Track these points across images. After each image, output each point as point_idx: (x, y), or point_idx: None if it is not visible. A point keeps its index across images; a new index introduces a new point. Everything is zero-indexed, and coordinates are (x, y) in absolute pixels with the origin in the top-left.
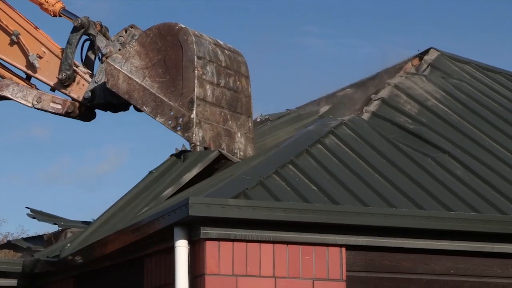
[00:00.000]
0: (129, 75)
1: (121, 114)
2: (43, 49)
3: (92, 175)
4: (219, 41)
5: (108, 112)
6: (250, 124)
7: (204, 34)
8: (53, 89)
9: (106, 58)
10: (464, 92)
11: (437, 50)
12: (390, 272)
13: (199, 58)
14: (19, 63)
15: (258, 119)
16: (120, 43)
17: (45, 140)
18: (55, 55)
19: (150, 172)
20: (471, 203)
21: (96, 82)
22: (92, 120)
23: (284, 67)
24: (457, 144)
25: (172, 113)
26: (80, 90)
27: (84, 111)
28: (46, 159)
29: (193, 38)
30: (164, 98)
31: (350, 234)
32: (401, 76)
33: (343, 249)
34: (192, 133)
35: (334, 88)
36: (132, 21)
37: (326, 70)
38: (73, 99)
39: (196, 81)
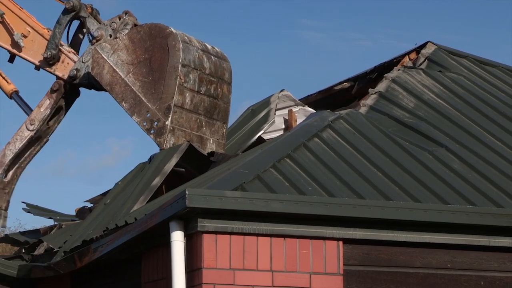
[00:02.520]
0: (114, 67)
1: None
2: (28, 28)
3: (96, 169)
4: (207, 45)
5: (107, 104)
6: (224, 131)
7: (194, 39)
8: (37, 68)
9: (97, 41)
10: (462, 86)
11: (435, 44)
12: (387, 266)
13: (183, 65)
14: (4, 42)
15: None
16: (112, 29)
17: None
18: (40, 34)
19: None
20: (468, 197)
21: (83, 62)
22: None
23: (281, 60)
24: (454, 138)
25: (148, 115)
26: (65, 68)
27: (69, 89)
28: (50, 153)
29: (181, 45)
30: (143, 98)
31: (347, 227)
32: (399, 70)
33: (340, 242)
34: (164, 140)
35: (330, 82)
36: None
37: (323, 64)
38: (58, 77)
39: (176, 89)
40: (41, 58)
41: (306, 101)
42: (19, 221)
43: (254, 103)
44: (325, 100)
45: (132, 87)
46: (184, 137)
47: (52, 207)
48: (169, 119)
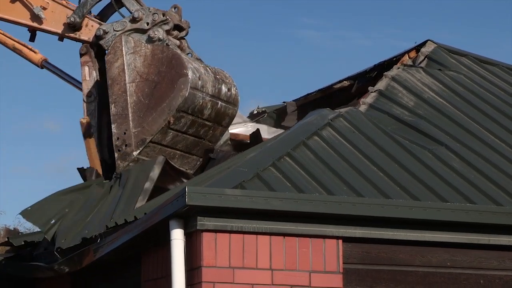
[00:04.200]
0: (125, 67)
1: None
2: (46, 0)
3: None
4: (223, 88)
5: None
6: (197, 163)
7: (210, 81)
8: (61, 37)
9: (137, 21)
10: (461, 84)
11: (434, 43)
12: (386, 264)
13: (178, 111)
14: (24, 19)
15: (255, 112)
16: (152, 19)
17: (54, 133)
18: (59, 3)
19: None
20: (468, 195)
21: (114, 30)
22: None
23: (280, 59)
24: (454, 136)
25: (124, 134)
26: (89, 31)
27: (96, 51)
28: (55, 152)
29: (187, 93)
30: (130, 115)
31: (347, 225)
32: (398, 68)
33: (340, 241)
34: (124, 167)
35: (330, 80)
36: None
37: (321, 62)
38: (84, 41)
39: (160, 129)
40: (64, 27)
41: (306, 100)
42: (19, 219)
43: (254, 102)
44: (324, 98)
45: (128, 97)
46: None
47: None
48: (138, 151)
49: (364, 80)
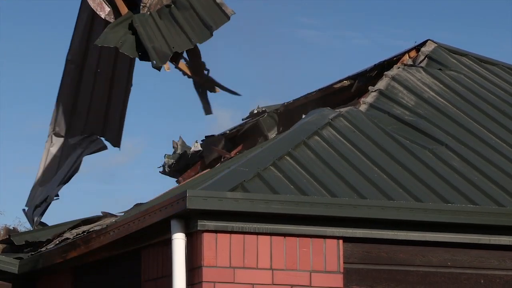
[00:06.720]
0: None
1: (134, 108)
2: None
3: (108, 167)
4: None
5: None
6: None
7: None
8: None
9: None
10: (462, 84)
11: (434, 42)
12: (387, 264)
13: None
14: None
15: (255, 111)
16: None
17: None
18: None
19: None
20: (468, 195)
21: None
22: None
23: (279, 59)
24: (454, 136)
25: None
26: None
27: None
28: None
29: None
30: None
31: (347, 226)
32: (398, 68)
33: (340, 241)
34: None
35: (330, 80)
36: None
37: (321, 62)
38: None
39: None
40: None
41: (306, 99)
42: (19, 219)
43: (254, 102)
44: (325, 98)
45: None
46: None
47: (58, 204)
48: None
49: (364, 79)
